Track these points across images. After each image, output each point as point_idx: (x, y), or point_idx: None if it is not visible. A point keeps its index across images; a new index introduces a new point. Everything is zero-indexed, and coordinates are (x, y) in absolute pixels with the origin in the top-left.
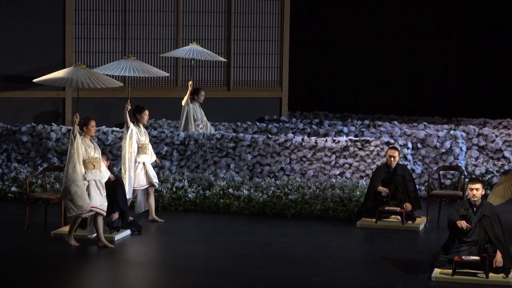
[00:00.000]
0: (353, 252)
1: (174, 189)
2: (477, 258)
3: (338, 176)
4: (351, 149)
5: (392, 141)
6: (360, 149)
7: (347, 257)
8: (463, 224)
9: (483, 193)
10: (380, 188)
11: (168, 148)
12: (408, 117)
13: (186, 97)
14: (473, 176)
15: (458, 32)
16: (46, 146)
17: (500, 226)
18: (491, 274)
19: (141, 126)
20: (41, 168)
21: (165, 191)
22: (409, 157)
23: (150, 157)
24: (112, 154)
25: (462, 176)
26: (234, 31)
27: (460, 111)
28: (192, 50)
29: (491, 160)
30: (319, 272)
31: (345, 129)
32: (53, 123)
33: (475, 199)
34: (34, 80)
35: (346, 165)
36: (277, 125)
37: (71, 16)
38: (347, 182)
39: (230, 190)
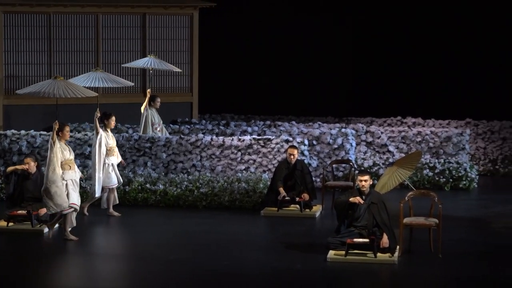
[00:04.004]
0: (258, 238)
1: None
2: (366, 240)
3: (244, 171)
4: (255, 146)
5: (290, 139)
6: (262, 146)
7: (253, 243)
8: (358, 198)
9: (371, 183)
10: (281, 190)
11: (91, 149)
12: (304, 117)
13: (145, 104)
14: (362, 168)
15: (349, 39)
16: None
17: (386, 212)
18: (379, 254)
19: (109, 131)
20: None
21: (89, 187)
22: (306, 152)
23: (116, 158)
24: (40, 155)
25: (353, 169)
26: (148, 43)
27: (350, 111)
28: (150, 61)
29: (377, 154)
30: (228, 256)
31: (249, 129)
32: None
33: (364, 188)
34: (18, 92)
35: (251, 161)
36: (189, 126)
37: (1, 31)
38: (251, 176)
39: (148, 185)
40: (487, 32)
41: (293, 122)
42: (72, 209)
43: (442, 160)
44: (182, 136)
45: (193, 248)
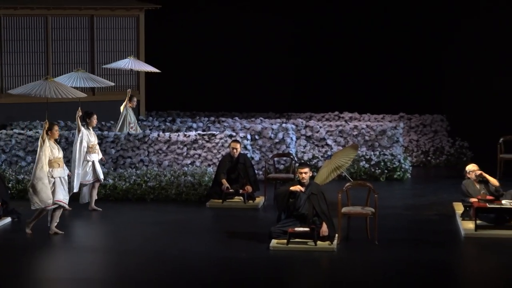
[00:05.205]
0: (204, 228)
1: None
2: (307, 229)
3: (190, 165)
4: (200, 141)
5: (234, 134)
6: (207, 141)
7: (199, 233)
8: (299, 186)
9: (311, 175)
10: (224, 181)
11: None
12: (247, 113)
13: (125, 103)
14: (302, 161)
15: (288, 39)
16: None
17: (325, 202)
18: (319, 242)
19: (91, 129)
20: None
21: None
22: (249, 147)
23: (97, 155)
24: None
25: (293, 162)
26: (96, 44)
27: (290, 107)
28: (129, 62)
29: (316, 147)
30: (176, 247)
31: (194, 125)
32: None
33: (304, 180)
34: (10, 91)
35: (196, 156)
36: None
37: None
38: (197, 169)
39: None
40: (419, 32)
41: (236, 118)
42: (57, 206)
43: (377, 152)
44: (130, 132)
45: (143, 240)
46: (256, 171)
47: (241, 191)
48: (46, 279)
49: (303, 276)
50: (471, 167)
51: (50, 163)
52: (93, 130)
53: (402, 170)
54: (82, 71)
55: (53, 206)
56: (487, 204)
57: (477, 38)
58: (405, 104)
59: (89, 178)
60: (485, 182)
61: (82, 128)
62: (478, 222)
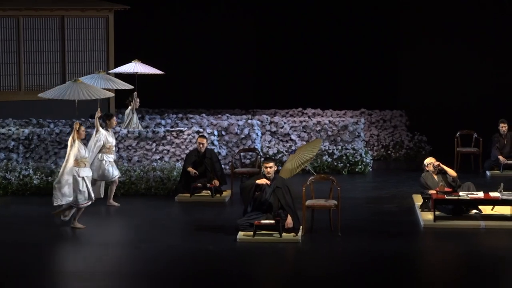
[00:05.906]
0: (173, 221)
1: (21, 176)
2: (272, 221)
3: (158, 160)
4: (168, 138)
5: (201, 130)
6: (175, 137)
7: (169, 226)
8: (264, 180)
9: (276, 169)
10: (190, 169)
11: (14, 143)
12: (213, 110)
13: (133, 104)
14: (267, 156)
15: (253, 39)
16: None
17: (290, 195)
18: (284, 234)
19: (110, 130)
20: None
21: (13, 178)
22: (216, 142)
23: (113, 156)
24: None
25: (259, 156)
26: (67, 43)
27: (255, 103)
28: (135, 66)
29: (281, 143)
30: (146, 238)
31: (163, 122)
32: None
33: (269, 174)
34: (39, 95)
35: (165, 151)
36: None
37: None
38: (166, 165)
39: None
40: (378, 30)
41: (203, 115)
42: (90, 202)
43: (339, 147)
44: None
45: (114, 231)
46: (223, 166)
47: (208, 185)
48: (20, 270)
49: (269, 266)
50: (429, 160)
51: (77, 163)
52: (112, 132)
53: (364, 163)
54: (103, 72)
55: (88, 203)
56: (445, 195)
57: (433, 35)
58: (366, 100)
59: (115, 174)
60: (443, 173)
61: (101, 129)
62: (437, 213)
